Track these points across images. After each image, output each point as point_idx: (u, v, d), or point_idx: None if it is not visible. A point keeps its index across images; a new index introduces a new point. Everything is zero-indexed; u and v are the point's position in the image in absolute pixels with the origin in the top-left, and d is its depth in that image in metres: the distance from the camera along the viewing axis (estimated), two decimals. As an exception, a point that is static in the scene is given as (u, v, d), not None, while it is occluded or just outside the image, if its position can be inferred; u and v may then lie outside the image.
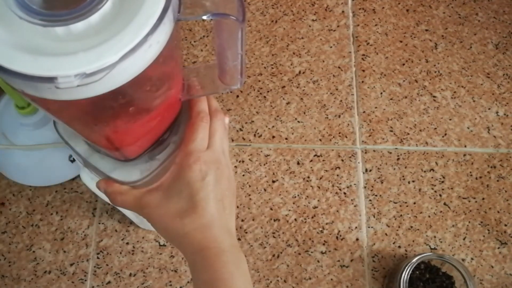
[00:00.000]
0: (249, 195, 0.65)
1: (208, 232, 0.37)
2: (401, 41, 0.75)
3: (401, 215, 0.65)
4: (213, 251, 0.36)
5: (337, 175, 0.67)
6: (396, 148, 0.68)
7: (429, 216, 0.65)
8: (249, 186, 0.66)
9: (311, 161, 0.67)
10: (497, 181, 0.67)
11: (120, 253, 0.62)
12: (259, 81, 0.72)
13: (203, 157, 0.39)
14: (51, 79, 0.25)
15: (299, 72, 0.73)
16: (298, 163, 0.67)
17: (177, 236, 0.38)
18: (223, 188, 0.39)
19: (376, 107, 0.71)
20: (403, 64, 0.74)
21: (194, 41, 0.75)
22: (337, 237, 0.63)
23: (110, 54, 0.26)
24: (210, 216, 0.38)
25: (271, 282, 0.61)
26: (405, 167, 0.67)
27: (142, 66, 0.28)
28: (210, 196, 0.38)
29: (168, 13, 0.28)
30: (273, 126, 0.69)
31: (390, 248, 0.63)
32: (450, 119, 0.70)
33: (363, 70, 0.73)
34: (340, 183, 0.66)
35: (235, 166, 0.67)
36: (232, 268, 0.36)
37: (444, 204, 0.65)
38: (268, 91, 0.72)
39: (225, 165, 0.41)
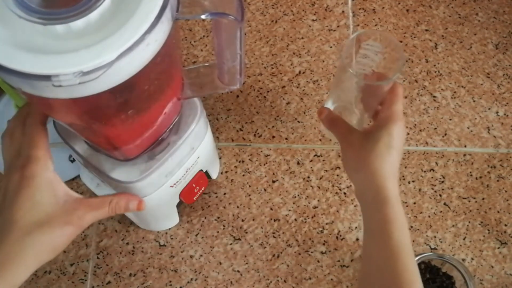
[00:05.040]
0: (249, 195, 0.65)
1: (392, 176, 0.47)
2: (401, 41, 0.75)
3: (401, 215, 0.65)
4: (388, 194, 0.45)
5: (337, 175, 0.67)
6: (396, 148, 0.68)
7: (429, 216, 0.64)
8: (249, 186, 0.66)
9: (311, 161, 0.68)
10: (497, 181, 0.67)
11: (120, 253, 0.62)
12: (259, 81, 0.72)
13: (403, 120, 0.50)
14: (48, 77, 0.25)
15: (299, 72, 0.73)
16: (298, 163, 0.67)
17: (363, 167, 0.48)
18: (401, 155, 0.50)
19: (376, 107, 0.71)
20: (403, 64, 0.74)
21: (194, 41, 0.75)
22: (337, 237, 0.63)
23: (108, 52, 0.26)
24: (397, 164, 0.48)
25: (271, 282, 0.61)
26: (405, 167, 0.67)
27: (139, 64, 0.28)
28: (401, 152, 0.49)
29: (166, 11, 0.28)
30: (273, 126, 0.69)
31: (390, 248, 0.63)
32: (450, 119, 0.70)
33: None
34: (340, 183, 0.66)
35: (235, 166, 0.67)
36: (401, 212, 0.45)
37: (444, 204, 0.65)
38: (268, 91, 0.72)
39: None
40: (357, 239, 0.63)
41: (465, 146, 0.69)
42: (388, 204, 0.45)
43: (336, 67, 0.73)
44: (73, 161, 0.65)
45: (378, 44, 0.53)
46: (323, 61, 0.74)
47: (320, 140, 0.69)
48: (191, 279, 0.61)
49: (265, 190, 0.66)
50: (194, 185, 0.57)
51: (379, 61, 0.54)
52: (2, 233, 0.36)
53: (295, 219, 0.64)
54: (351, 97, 0.57)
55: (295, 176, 0.66)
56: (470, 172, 0.67)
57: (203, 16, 0.31)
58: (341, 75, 0.54)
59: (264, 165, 0.67)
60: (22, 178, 0.37)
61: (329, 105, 0.61)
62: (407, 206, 0.65)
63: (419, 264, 0.60)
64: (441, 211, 0.65)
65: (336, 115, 0.55)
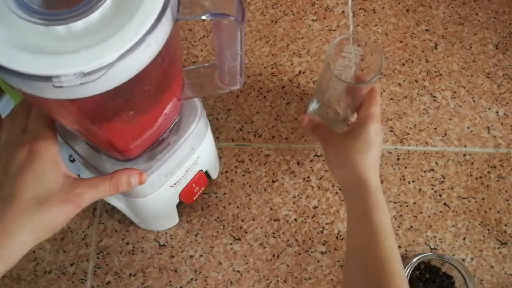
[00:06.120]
0: (249, 195, 0.65)
1: (373, 169, 0.52)
2: (401, 41, 0.75)
3: (401, 215, 0.65)
4: (369, 183, 0.50)
5: (337, 175, 0.67)
6: (396, 148, 0.68)
7: (429, 216, 0.65)
8: (249, 186, 0.66)
9: (311, 161, 0.68)
10: (497, 181, 0.67)
11: (120, 253, 0.62)
12: (259, 81, 0.72)
13: (379, 121, 0.55)
14: (48, 78, 0.25)
15: (299, 72, 0.73)
16: (298, 163, 0.67)
17: (345, 163, 0.53)
18: (380, 151, 0.55)
19: (376, 107, 0.71)
20: (403, 64, 0.74)
21: (194, 41, 0.75)
22: (337, 237, 0.63)
23: (109, 53, 0.26)
24: (377, 158, 0.53)
25: (271, 282, 0.61)
26: (405, 167, 0.67)
27: (140, 65, 0.28)
28: (379, 148, 0.54)
29: (166, 12, 0.28)
30: (273, 126, 0.69)
31: (390, 248, 0.63)
32: (450, 119, 0.70)
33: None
34: (340, 183, 0.66)
35: (235, 166, 0.67)
36: (381, 198, 0.50)
37: (444, 204, 0.65)
38: (268, 91, 0.72)
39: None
40: (357, 239, 0.63)
41: (465, 146, 0.69)
42: (369, 191, 0.49)
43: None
44: (73, 161, 0.65)
45: (359, 48, 0.57)
46: (323, 61, 0.74)
47: (320, 140, 0.69)
48: (191, 279, 0.61)
49: (265, 190, 0.66)
50: (194, 185, 0.57)
51: (360, 64, 0.58)
52: (1, 207, 0.36)
53: (295, 219, 0.64)
54: (334, 96, 0.61)
55: (295, 176, 0.67)
56: (470, 172, 0.67)
57: (203, 17, 0.31)
58: (325, 76, 0.57)
59: (264, 165, 0.67)
60: (30, 153, 0.37)
61: (314, 104, 0.65)
62: (407, 206, 0.65)
63: (419, 264, 0.60)
64: (441, 211, 0.65)
65: (317, 121, 0.61)
